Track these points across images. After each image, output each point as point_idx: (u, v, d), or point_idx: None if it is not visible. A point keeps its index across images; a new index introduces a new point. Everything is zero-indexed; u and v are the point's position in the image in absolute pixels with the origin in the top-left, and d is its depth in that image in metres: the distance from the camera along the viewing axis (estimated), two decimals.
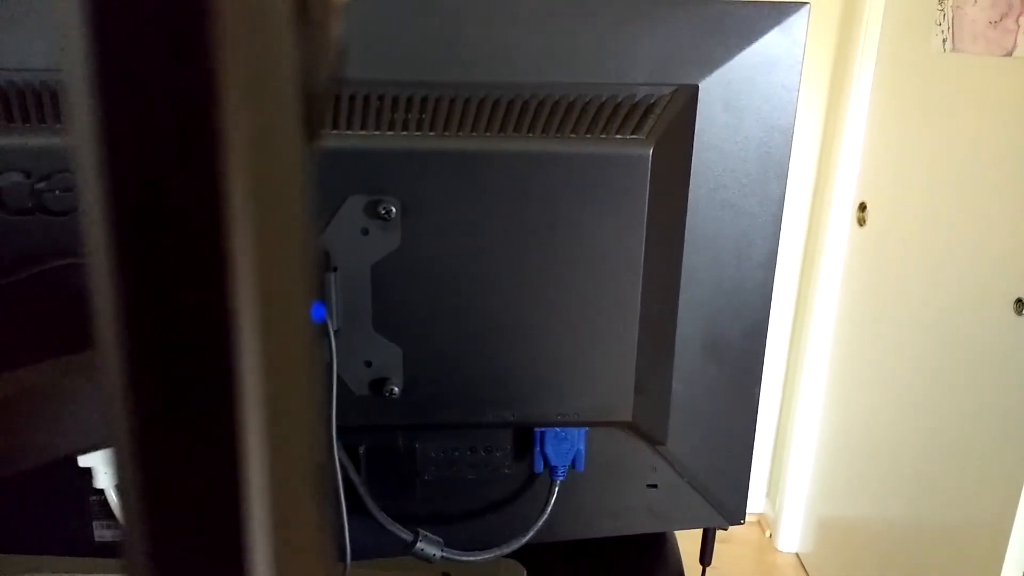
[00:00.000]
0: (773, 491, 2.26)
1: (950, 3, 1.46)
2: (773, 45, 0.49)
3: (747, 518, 2.50)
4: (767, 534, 2.26)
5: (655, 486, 0.59)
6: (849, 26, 1.83)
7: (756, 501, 2.30)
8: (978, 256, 1.36)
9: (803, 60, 0.50)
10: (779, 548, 2.20)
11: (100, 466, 0.52)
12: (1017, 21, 1.30)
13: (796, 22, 0.49)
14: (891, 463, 1.65)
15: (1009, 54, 1.31)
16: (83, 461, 0.51)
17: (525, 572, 0.69)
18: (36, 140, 0.46)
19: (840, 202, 1.88)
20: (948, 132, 1.47)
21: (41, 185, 0.46)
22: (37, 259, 0.47)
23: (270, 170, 0.13)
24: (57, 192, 0.46)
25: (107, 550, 0.56)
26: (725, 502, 0.59)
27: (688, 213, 0.51)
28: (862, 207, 1.80)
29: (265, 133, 0.13)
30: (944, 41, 1.48)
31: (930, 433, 1.51)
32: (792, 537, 2.17)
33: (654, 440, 0.56)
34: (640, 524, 0.60)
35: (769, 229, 0.53)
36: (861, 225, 1.81)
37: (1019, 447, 1.23)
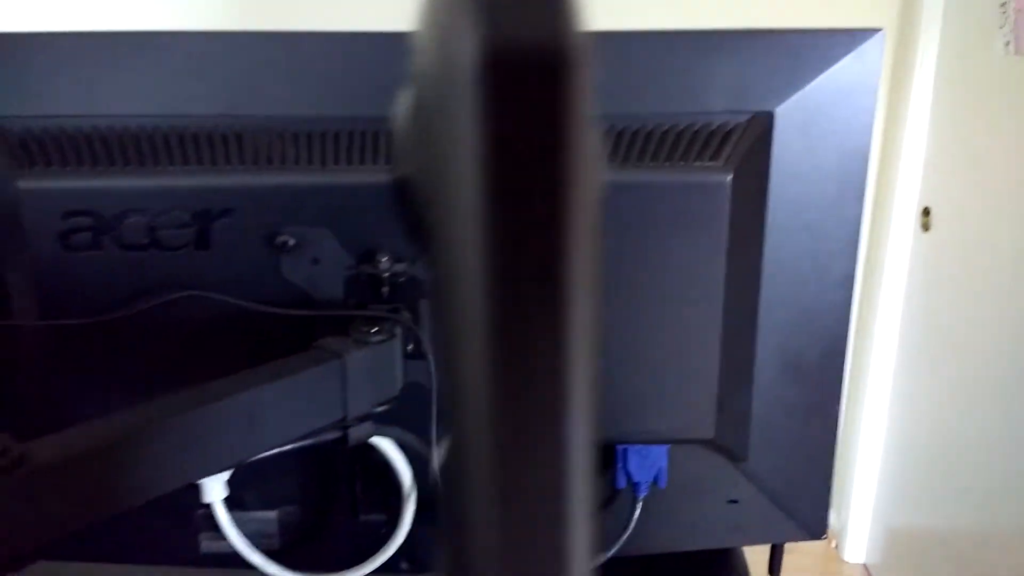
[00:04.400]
0: (839, 501, 2.23)
1: (1012, 5, 1.44)
2: (848, 71, 0.50)
3: None
4: (833, 544, 2.23)
5: (736, 501, 0.60)
6: (908, 27, 1.80)
7: None
8: None
9: (879, 85, 0.51)
10: (845, 559, 2.17)
11: (208, 482, 0.55)
12: None
13: (871, 47, 0.50)
14: (959, 471, 1.62)
15: None
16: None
17: None
18: (152, 181, 0.49)
19: (903, 207, 1.85)
20: (1013, 135, 1.44)
21: (157, 222, 0.49)
22: (152, 292, 0.50)
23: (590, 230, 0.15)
24: (171, 229, 0.49)
25: (211, 560, 0.60)
26: (806, 517, 0.60)
27: (767, 236, 0.52)
28: (926, 212, 1.77)
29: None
30: (1008, 44, 1.45)
31: (999, 440, 1.48)
32: (859, 547, 2.14)
33: (736, 457, 0.57)
34: (721, 539, 0.61)
35: (847, 250, 0.54)
36: (926, 230, 1.78)
37: None
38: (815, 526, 0.60)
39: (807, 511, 0.60)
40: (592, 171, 0.15)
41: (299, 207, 0.50)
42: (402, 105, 0.20)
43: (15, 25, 1.89)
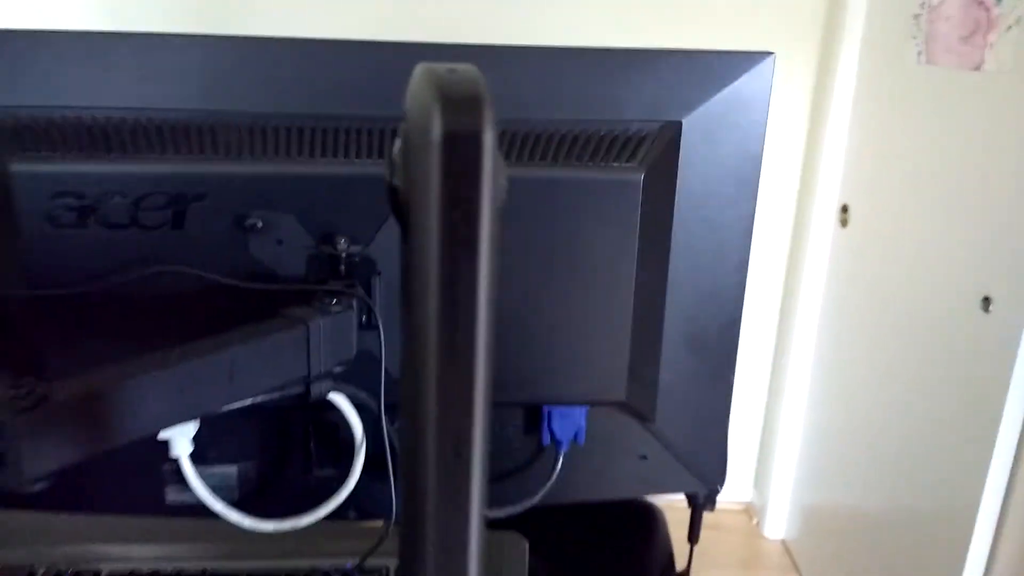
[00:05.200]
0: (761, 480, 2.37)
1: (924, 17, 1.56)
2: (745, 87, 0.59)
3: (735, 506, 2.61)
4: (754, 521, 2.37)
5: (645, 457, 0.69)
6: (832, 36, 1.93)
7: (744, 490, 2.40)
8: (950, 255, 1.47)
9: (771, 99, 0.60)
10: (765, 535, 2.31)
11: (176, 438, 0.62)
12: (985, 38, 1.40)
13: (764, 68, 0.59)
14: (872, 453, 1.75)
15: (978, 68, 1.41)
16: (162, 434, 0.61)
17: (526, 543, 0.79)
18: (133, 167, 0.55)
19: (824, 203, 1.98)
20: (925, 138, 1.57)
21: (137, 204, 0.56)
22: (132, 266, 0.56)
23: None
24: (150, 210, 0.56)
25: (175, 510, 0.66)
26: (705, 471, 0.69)
27: (674, 228, 0.61)
28: (844, 209, 1.90)
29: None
30: (919, 53, 1.58)
31: (906, 424, 1.61)
32: (778, 524, 2.28)
33: (645, 418, 0.66)
34: (633, 490, 0.69)
35: (742, 240, 0.63)
36: (844, 226, 1.91)
37: (985, 438, 1.33)
38: (712, 478, 0.70)
39: (706, 466, 0.69)
40: (498, 187, 0.25)
41: (266, 193, 0.57)
42: (397, 143, 0.29)
43: (7, 23, 1.90)
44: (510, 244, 0.58)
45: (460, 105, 0.25)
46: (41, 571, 0.82)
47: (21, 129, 0.55)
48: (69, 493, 0.66)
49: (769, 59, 0.59)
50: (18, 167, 0.55)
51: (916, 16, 1.59)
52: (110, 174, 0.55)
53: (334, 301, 0.52)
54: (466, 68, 0.26)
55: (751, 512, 2.40)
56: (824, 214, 1.99)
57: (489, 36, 1.95)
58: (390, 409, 0.57)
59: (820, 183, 1.98)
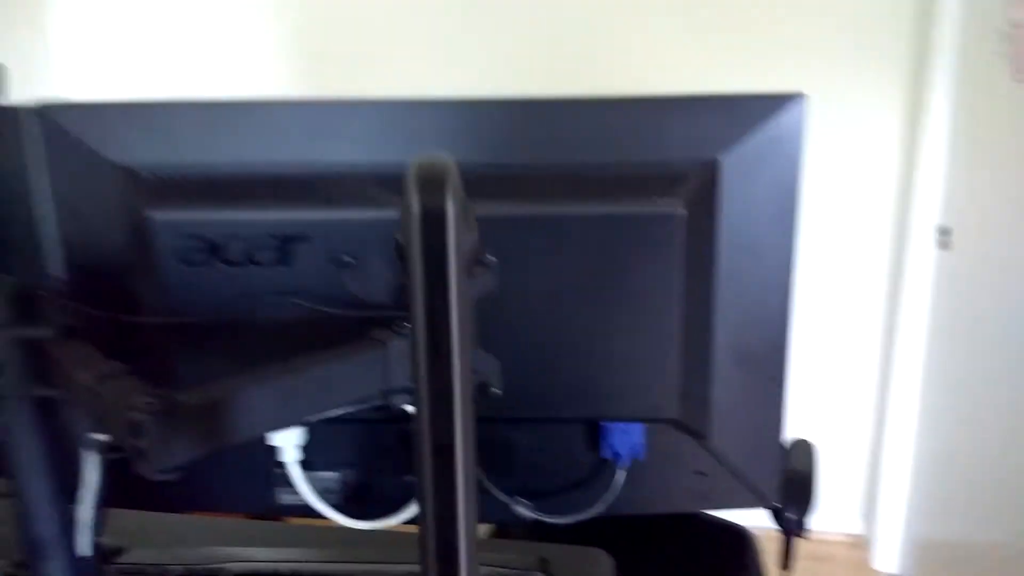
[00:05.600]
0: (868, 510, 2.30)
1: (1012, 35, 1.53)
2: (779, 126, 0.65)
3: (843, 538, 2.54)
4: (864, 554, 2.30)
5: (704, 474, 0.73)
6: (925, 52, 1.90)
7: (852, 521, 2.34)
8: None
9: (804, 137, 0.64)
10: (876, 568, 2.24)
11: (285, 446, 0.72)
12: None
13: (796, 107, 0.64)
14: (992, 482, 1.68)
15: None
16: (273, 440, 0.71)
17: (612, 561, 0.85)
18: (249, 214, 0.66)
19: (922, 225, 1.94)
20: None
21: (251, 245, 0.66)
22: (247, 297, 0.67)
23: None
24: (263, 250, 0.66)
25: (286, 510, 0.76)
26: (759, 488, 0.73)
27: (718, 256, 0.66)
28: (945, 231, 1.86)
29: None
30: (1013, 71, 1.54)
31: None
32: (890, 557, 2.20)
33: (699, 435, 0.71)
34: (691, 504, 0.74)
35: (784, 265, 0.67)
36: (945, 248, 1.86)
37: None
38: (769, 496, 0.73)
39: (762, 483, 0.73)
40: (465, 248, 0.33)
41: (358, 235, 0.66)
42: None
43: (133, 92, 2.16)
44: (565, 272, 0.66)
45: (428, 184, 0.34)
46: (174, 568, 0.94)
47: (159, 183, 0.67)
48: (199, 494, 0.77)
49: (800, 99, 0.64)
50: (157, 215, 0.67)
51: (1005, 34, 1.56)
52: (230, 220, 0.67)
53: (406, 324, 0.61)
54: (441, 159, 0.36)
55: (860, 544, 2.33)
56: (923, 236, 1.94)
57: (551, 84, 2.05)
58: None
59: (918, 205, 1.94)
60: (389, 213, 0.65)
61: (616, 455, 0.71)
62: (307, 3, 2.09)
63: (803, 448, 1.52)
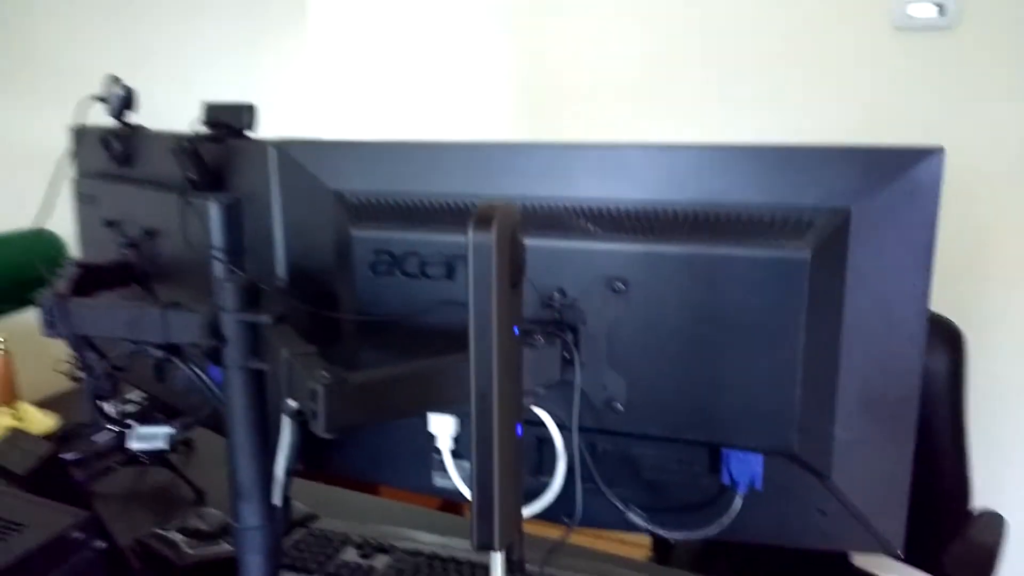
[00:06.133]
0: None
1: None
2: (915, 179, 0.66)
3: None
4: None
5: (824, 512, 0.75)
6: None
7: None
8: None
9: (940, 189, 0.66)
10: None
11: (441, 435, 0.83)
12: None
13: (934, 161, 0.66)
14: None
15: None
16: (432, 428, 0.83)
17: None
18: (424, 236, 0.79)
19: None
20: None
21: (426, 261, 0.79)
22: (418, 303, 0.80)
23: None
24: (433, 265, 0.79)
25: (439, 492, 0.87)
26: (883, 534, 0.74)
27: (846, 302, 0.69)
28: None
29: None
30: None
31: None
32: None
33: (820, 473, 0.73)
34: (810, 541, 0.76)
35: (916, 318, 0.68)
36: None
37: None
38: (891, 543, 0.73)
39: (885, 529, 0.74)
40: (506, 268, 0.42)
41: None
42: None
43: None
44: (692, 302, 0.71)
45: (482, 224, 0.43)
46: (354, 538, 1.10)
47: (360, 206, 0.82)
48: (373, 466, 0.91)
49: (939, 154, 0.65)
50: (356, 233, 0.82)
51: None
52: (411, 240, 0.80)
53: (539, 338, 0.70)
54: (500, 203, 0.45)
55: None
56: None
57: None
58: (586, 431, 0.72)
59: None
60: (532, 241, 0.75)
61: (734, 482, 0.75)
62: (531, 53, 2.27)
63: (992, 521, 1.41)
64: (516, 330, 0.53)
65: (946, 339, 1.44)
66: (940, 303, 1.30)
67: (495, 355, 0.51)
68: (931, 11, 1.87)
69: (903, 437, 0.71)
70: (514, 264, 0.51)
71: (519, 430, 0.55)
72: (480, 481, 0.52)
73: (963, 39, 1.88)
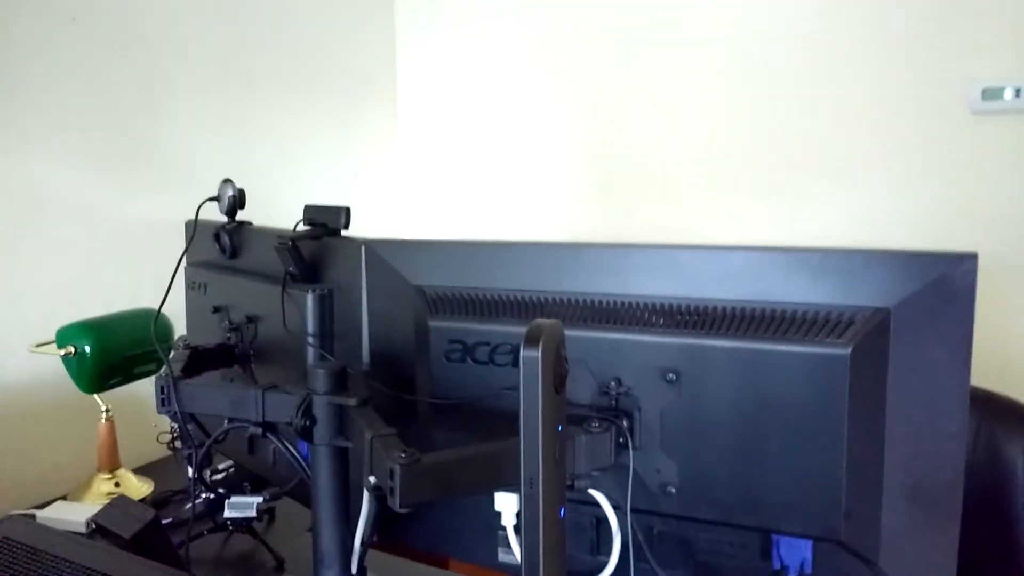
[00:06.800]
0: None
1: None
2: (951, 282, 0.71)
3: None
4: None
5: None
6: None
7: None
8: None
9: (974, 291, 0.70)
10: None
11: (505, 512, 0.89)
12: None
13: (968, 266, 0.70)
14: None
15: None
16: (498, 506, 0.89)
17: None
18: (492, 327, 0.87)
19: None
20: None
21: (494, 350, 0.87)
22: (490, 387, 0.87)
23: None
24: (502, 354, 0.87)
25: (503, 567, 0.93)
26: None
27: (887, 397, 0.73)
28: None
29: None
30: None
31: None
32: None
33: (866, 560, 0.76)
34: None
35: (958, 411, 0.72)
36: None
37: None
38: None
39: None
40: (551, 375, 0.49)
41: (567, 347, 0.84)
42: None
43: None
44: (739, 393, 0.77)
45: (531, 341, 0.50)
46: None
47: (437, 299, 0.91)
48: (444, 539, 0.97)
49: (972, 259, 0.70)
50: (433, 323, 0.91)
51: None
52: (481, 330, 0.88)
53: (595, 424, 0.76)
54: (548, 322, 0.53)
55: None
56: None
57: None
58: (641, 512, 0.77)
59: None
60: (591, 332, 0.82)
61: (784, 566, 0.78)
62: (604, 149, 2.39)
63: None
64: (560, 428, 0.60)
65: None
66: (1019, 389, 1.30)
67: (540, 448, 0.58)
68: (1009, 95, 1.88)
69: (949, 524, 0.74)
70: (557, 374, 0.58)
71: (562, 512, 0.61)
72: (528, 556, 0.58)
73: None
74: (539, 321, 0.59)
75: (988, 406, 1.31)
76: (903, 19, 1.94)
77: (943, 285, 0.72)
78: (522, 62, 2.44)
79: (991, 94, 1.91)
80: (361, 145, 2.49)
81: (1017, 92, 1.87)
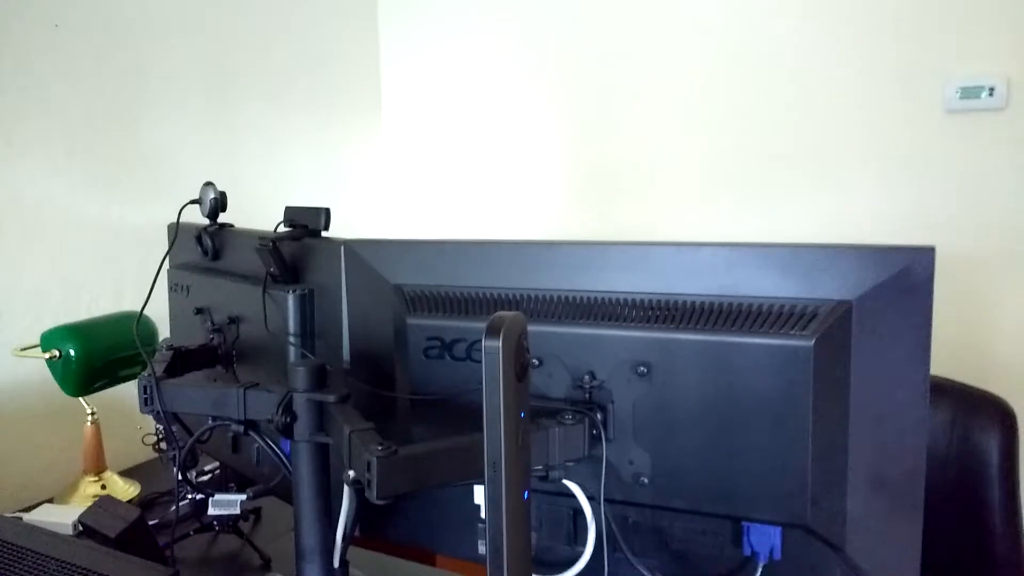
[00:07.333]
0: None
1: None
2: (910, 276, 0.73)
3: None
4: None
5: None
6: None
7: None
8: None
9: (933, 284, 0.72)
10: None
11: (484, 504, 0.91)
12: None
13: (926, 259, 0.73)
14: None
15: None
16: (477, 499, 0.91)
17: None
18: (468, 324, 0.89)
19: None
20: None
21: (471, 347, 0.89)
22: (465, 383, 0.89)
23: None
24: (478, 351, 0.88)
25: (483, 559, 0.95)
26: None
27: (849, 387, 0.75)
28: None
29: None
30: None
31: None
32: None
33: (833, 545, 0.78)
34: None
35: (919, 401, 0.74)
36: None
37: None
38: None
39: None
40: (512, 364, 0.51)
41: (544, 344, 0.86)
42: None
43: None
44: (705, 386, 0.79)
45: (492, 332, 0.52)
46: None
47: (416, 297, 0.93)
48: (425, 532, 0.99)
49: (930, 253, 0.73)
50: (412, 321, 0.92)
51: None
52: (459, 327, 0.90)
53: (568, 416, 0.78)
54: (510, 315, 0.55)
55: None
56: None
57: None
58: (615, 502, 0.79)
59: None
60: (563, 327, 0.84)
61: (755, 552, 0.81)
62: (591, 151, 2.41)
63: None
64: (523, 414, 0.62)
65: (999, 418, 1.46)
66: (993, 382, 1.33)
67: (502, 433, 0.60)
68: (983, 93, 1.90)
69: (912, 511, 0.76)
70: (519, 363, 0.60)
71: (526, 495, 0.63)
72: (492, 537, 0.60)
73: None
74: (501, 313, 0.61)
75: (962, 398, 1.34)
76: (881, 19, 1.97)
77: (902, 278, 0.74)
78: (505, 63, 2.46)
79: (968, 93, 1.94)
80: (345, 147, 2.51)
81: (992, 91, 1.91)
